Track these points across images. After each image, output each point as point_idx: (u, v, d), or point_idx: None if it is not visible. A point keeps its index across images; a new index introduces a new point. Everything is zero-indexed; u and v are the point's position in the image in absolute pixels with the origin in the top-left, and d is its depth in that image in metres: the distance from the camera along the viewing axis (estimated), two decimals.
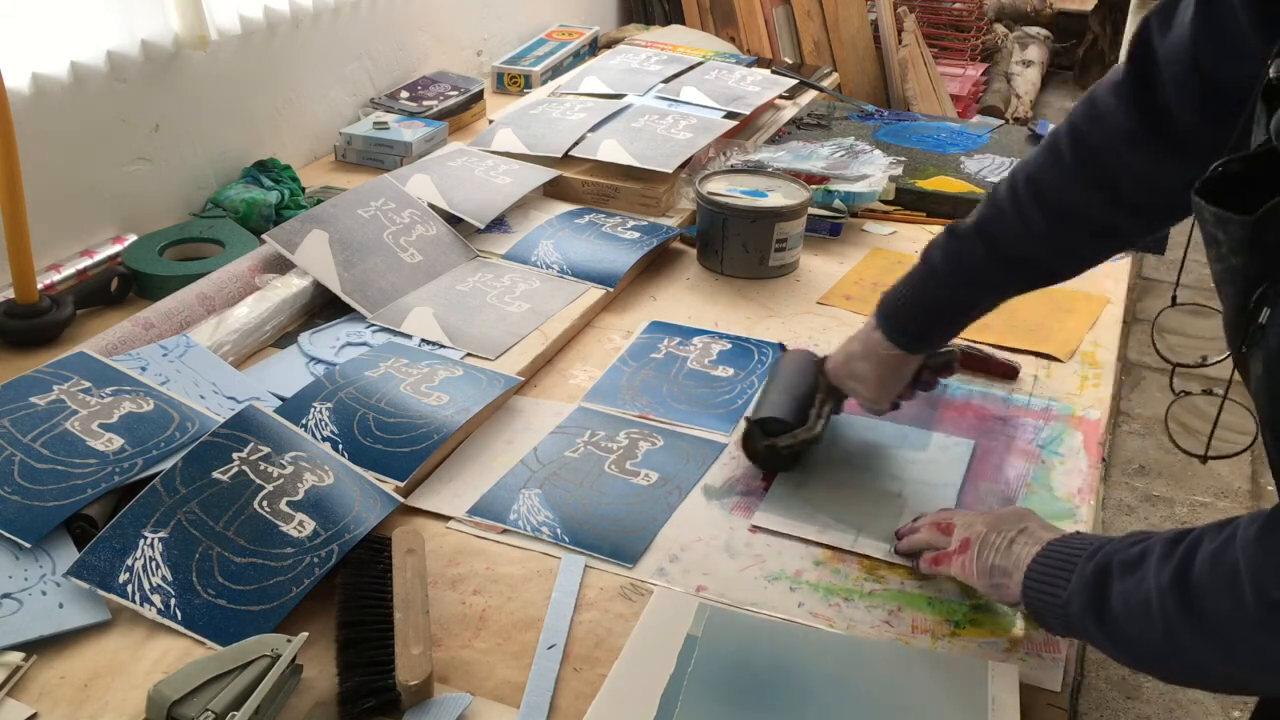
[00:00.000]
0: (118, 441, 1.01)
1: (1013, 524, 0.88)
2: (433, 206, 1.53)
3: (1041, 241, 0.97)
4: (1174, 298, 0.89)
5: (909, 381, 1.12)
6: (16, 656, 0.83)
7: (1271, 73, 0.67)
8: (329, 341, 1.27)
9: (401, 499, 1.03)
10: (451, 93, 2.00)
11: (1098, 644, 0.77)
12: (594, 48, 2.47)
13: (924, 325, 1.06)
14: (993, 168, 1.82)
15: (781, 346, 1.30)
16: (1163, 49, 0.84)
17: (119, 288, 1.34)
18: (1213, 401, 0.83)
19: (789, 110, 2.09)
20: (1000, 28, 5.06)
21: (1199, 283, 1.01)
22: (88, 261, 1.39)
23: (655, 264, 1.55)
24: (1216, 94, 0.80)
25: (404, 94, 1.97)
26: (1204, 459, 0.85)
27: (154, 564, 0.89)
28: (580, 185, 1.69)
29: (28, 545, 0.91)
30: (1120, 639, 0.74)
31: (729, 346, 1.33)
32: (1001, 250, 1.00)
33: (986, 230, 1.00)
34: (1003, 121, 4.16)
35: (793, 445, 1.08)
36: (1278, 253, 0.65)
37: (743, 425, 1.11)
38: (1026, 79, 4.81)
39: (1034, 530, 0.86)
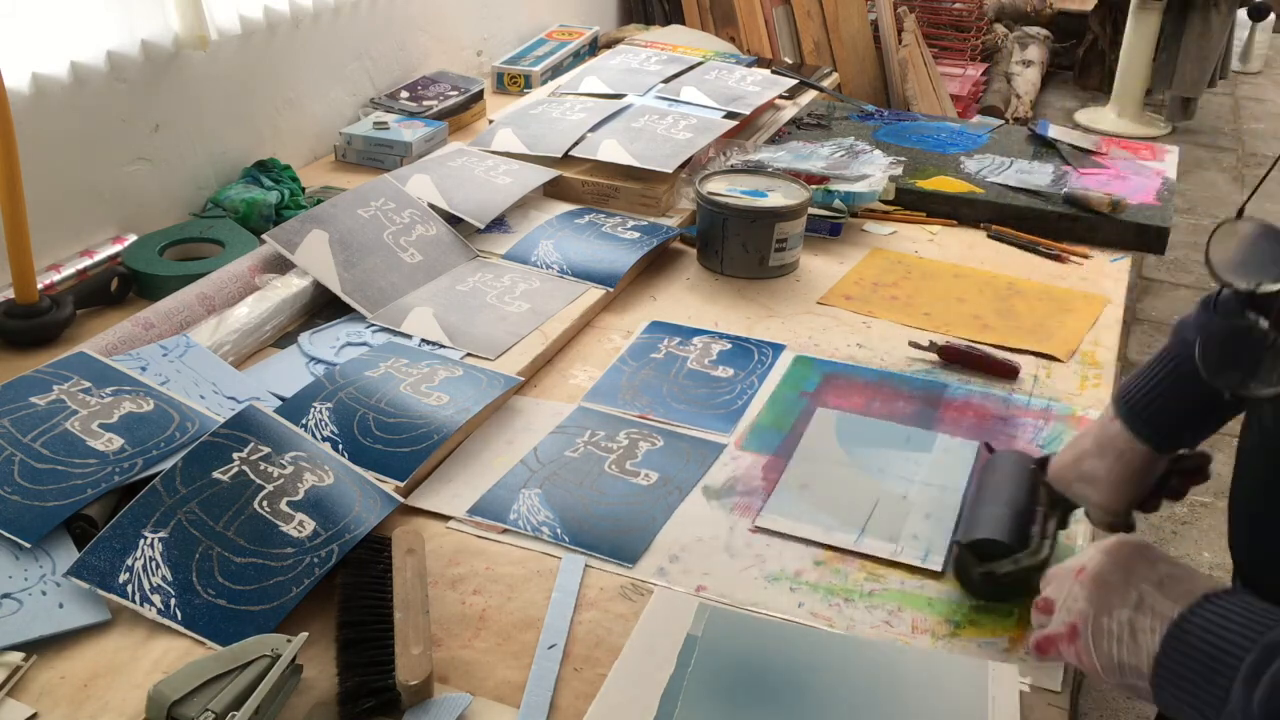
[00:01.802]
0: (118, 441, 1.01)
1: (1120, 595, 0.70)
2: (433, 206, 1.53)
3: None
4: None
5: (1153, 487, 0.91)
6: (16, 656, 0.83)
7: None
8: (329, 341, 1.27)
9: (401, 499, 1.03)
10: (451, 93, 2.00)
11: None
12: (594, 48, 2.47)
13: (1179, 417, 0.87)
14: (993, 168, 1.82)
15: (988, 447, 1.08)
16: None
17: (119, 288, 1.34)
18: None
19: (789, 110, 2.09)
20: (1000, 28, 5.05)
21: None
22: (88, 261, 1.39)
23: (655, 264, 1.55)
24: None
25: (404, 94, 1.97)
26: None
27: (154, 564, 0.89)
28: (580, 185, 1.69)
29: (28, 545, 0.91)
30: None
31: (729, 346, 1.33)
32: None
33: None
34: (1003, 121, 4.15)
35: (1014, 572, 0.91)
36: None
37: (954, 550, 0.95)
38: (1026, 79, 4.81)
39: (1150, 599, 0.69)
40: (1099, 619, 0.70)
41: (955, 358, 1.31)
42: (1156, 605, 0.68)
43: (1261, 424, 0.81)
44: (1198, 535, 2.47)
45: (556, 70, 2.26)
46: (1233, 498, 0.87)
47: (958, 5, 4.44)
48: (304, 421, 1.09)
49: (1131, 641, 0.68)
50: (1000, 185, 1.74)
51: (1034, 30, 5.19)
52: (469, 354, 1.27)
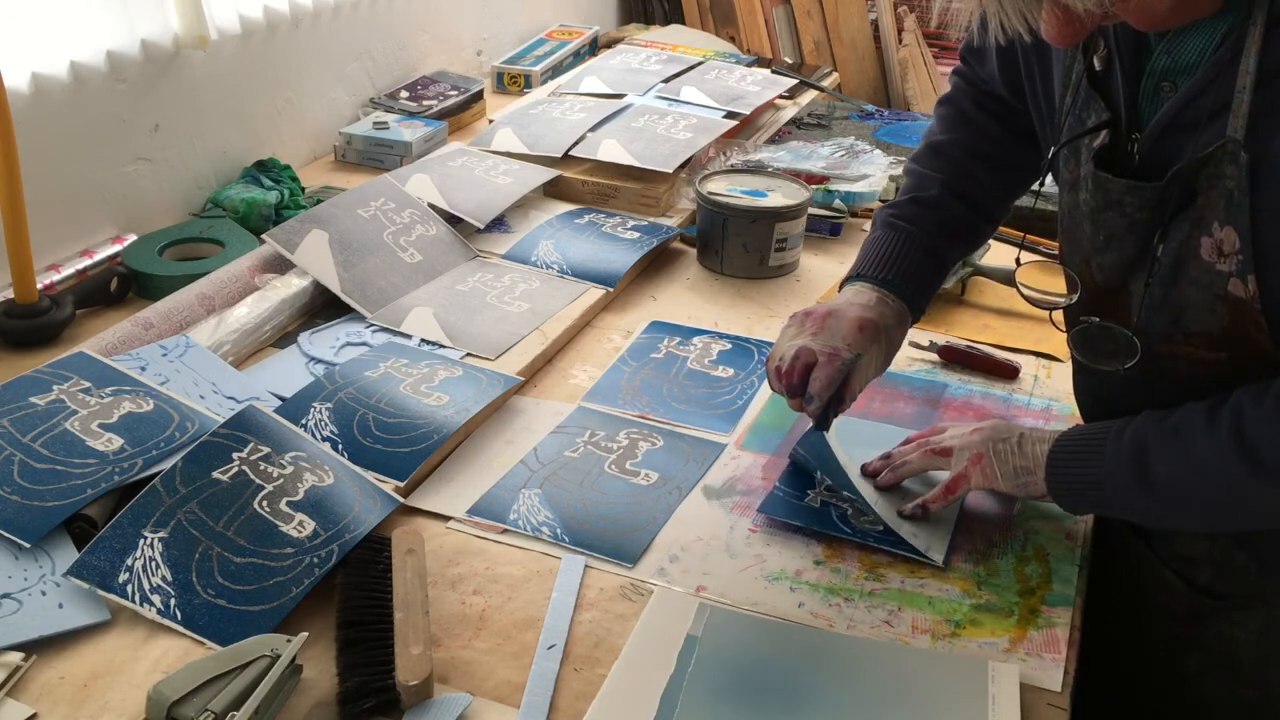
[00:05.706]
0: (118, 441, 1.01)
1: (1005, 431, 1.01)
2: (433, 206, 1.53)
3: (991, 188, 1.17)
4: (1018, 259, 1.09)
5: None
6: (16, 656, 0.83)
7: (1097, 65, 0.92)
8: (329, 341, 1.27)
9: (401, 499, 1.03)
10: (451, 92, 2.00)
11: (1137, 507, 0.93)
12: (594, 47, 2.47)
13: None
14: None
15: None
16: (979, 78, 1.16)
17: (119, 288, 1.34)
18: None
19: (789, 110, 2.09)
20: None
21: None
22: (88, 261, 1.39)
23: (655, 264, 1.55)
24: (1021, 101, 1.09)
25: (404, 94, 1.97)
26: None
27: (154, 564, 0.89)
28: (580, 185, 1.68)
29: (28, 545, 0.91)
30: (1169, 498, 0.90)
31: (729, 346, 1.33)
32: (977, 203, 1.16)
33: (959, 191, 1.14)
34: None
35: None
36: (1173, 205, 0.87)
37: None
38: None
39: (1029, 432, 1.00)
40: (996, 445, 1.01)
41: (955, 357, 1.31)
42: (1034, 434, 1.00)
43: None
44: None
45: (556, 70, 2.26)
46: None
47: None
48: (304, 421, 1.09)
49: (1021, 453, 0.99)
50: None
51: None
52: (469, 354, 1.27)
